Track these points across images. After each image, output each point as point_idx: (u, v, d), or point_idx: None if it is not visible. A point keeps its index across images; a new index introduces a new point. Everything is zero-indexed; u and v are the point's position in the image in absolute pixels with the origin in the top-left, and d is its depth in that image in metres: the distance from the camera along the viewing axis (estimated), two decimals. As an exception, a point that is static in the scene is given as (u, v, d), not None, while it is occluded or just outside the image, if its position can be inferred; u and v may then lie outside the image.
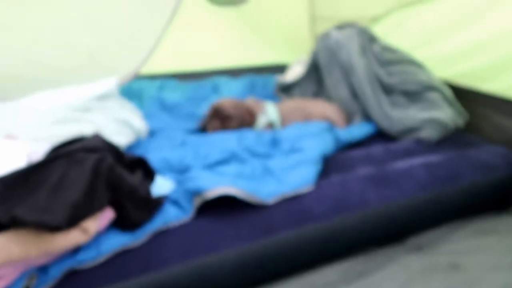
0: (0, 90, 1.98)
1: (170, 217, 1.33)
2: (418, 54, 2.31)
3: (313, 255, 1.42)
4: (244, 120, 2.08)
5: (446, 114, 1.99)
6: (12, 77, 2.04)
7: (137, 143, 1.90)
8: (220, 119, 2.06)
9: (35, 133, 1.58)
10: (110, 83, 1.97)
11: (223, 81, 2.84)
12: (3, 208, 1.08)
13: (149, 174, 1.40)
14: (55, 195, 1.11)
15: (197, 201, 1.36)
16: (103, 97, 1.91)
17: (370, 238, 1.51)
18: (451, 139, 1.95)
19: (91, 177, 1.17)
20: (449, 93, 2.09)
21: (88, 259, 1.19)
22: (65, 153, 1.22)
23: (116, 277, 1.19)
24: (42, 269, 1.16)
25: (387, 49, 2.36)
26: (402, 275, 1.35)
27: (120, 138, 1.80)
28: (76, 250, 1.20)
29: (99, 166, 1.20)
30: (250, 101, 2.23)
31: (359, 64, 2.23)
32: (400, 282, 1.31)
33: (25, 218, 1.04)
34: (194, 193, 1.37)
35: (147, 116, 2.24)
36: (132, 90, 2.56)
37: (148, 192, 1.30)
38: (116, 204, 1.23)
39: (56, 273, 1.16)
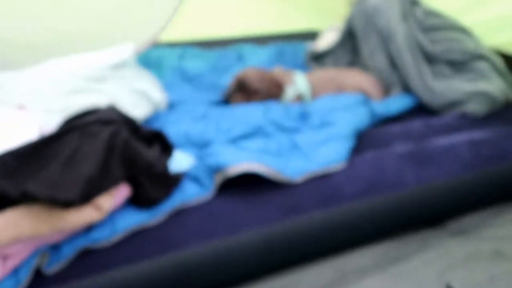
0: (10, 57, 2.00)
1: (189, 194, 1.33)
2: (465, 19, 2.24)
3: (343, 238, 1.41)
4: (270, 92, 2.07)
5: (496, 86, 1.93)
6: (22, 44, 2.06)
7: (155, 116, 1.91)
8: (245, 93, 2.05)
9: (47, 104, 1.60)
10: (127, 51, 1.96)
11: (248, 49, 2.82)
12: (13, 182, 1.10)
13: (167, 148, 1.41)
14: (67, 169, 1.12)
15: (219, 178, 1.36)
16: (118, 66, 1.91)
17: (406, 221, 1.49)
18: (500, 114, 1.90)
19: (105, 151, 1.18)
20: (499, 62, 2.03)
21: (102, 238, 1.21)
22: (79, 126, 1.23)
23: (131, 257, 1.20)
24: (54, 248, 1.18)
25: (430, 13, 2.30)
26: (441, 261, 1.33)
27: (137, 110, 1.80)
28: (89, 228, 1.21)
29: (114, 139, 1.20)
30: (277, 71, 2.21)
31: (399, 30, 2.18)
32: (439, 269, 1.30)
33: (37, 193, 1.05)
34: (215, 169, 1.37)
35: (167, 87, 2.24)
36: (151, 59, 2.55)
37: (166, 168, 1.30)
38: (132, 180, 1.24)
39: (69, 252, 1.17)
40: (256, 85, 2.04)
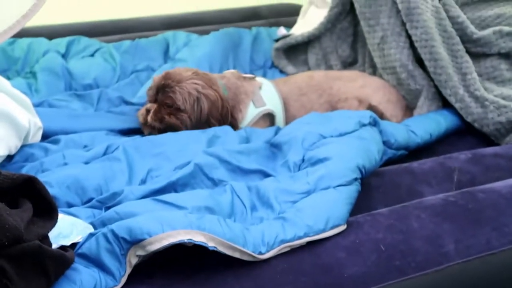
0: None
1: (85, 287, 1.30)
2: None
3: None
4: (210, 109, 2.07)
5: None
6: None
7: (24, 153, 1.90)
8: (166, 107, 2.06)
9: None
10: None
11: (181, 38, 2.84)
12: None
13: (45, 209, 1.38)
14: None
15: (134, 257, 1.34)
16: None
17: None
18: None
19: None
20: None
21: None
22: None
23: None
24: None
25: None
26: None
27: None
28: None
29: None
30: (230, 76, 2.22)
31: (424, 4, 2.22)
32: None
33: None
34: (129, 242, 1.35)
35: (44, 105, 2.22)
36: (14, 58, 2.53)
37: (43, 242, 1.28)
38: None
39: None
40: (185, 105, 2.04)
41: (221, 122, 2.07)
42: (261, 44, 2.86)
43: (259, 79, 2.30)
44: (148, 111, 2.08)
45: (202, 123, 2.05)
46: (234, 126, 2.09)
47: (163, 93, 2.07)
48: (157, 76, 2.15)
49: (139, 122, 2.13)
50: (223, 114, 2.08)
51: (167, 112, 2.06)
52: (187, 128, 2.04)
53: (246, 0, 3.28)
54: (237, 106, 2.12)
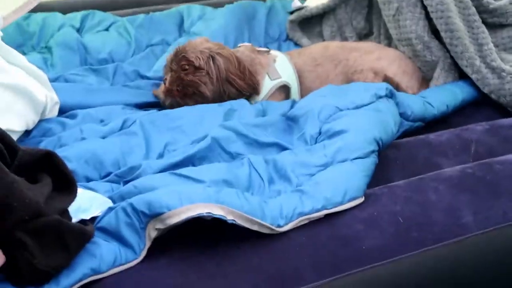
0: None
1: (106, 261, 1.31)
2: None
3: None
4: (236, 88, 2.07)
5: None
6: None
7: (41, 128, 1.90)
8: (187, 72, 2.06)
9: None
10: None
11: (195, 11, 2.84)
12: None
13: (64, 184, 1.39)
14: None
15: (153, 230, 1.35)
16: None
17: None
18: None
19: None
20: None
21: None
22: None
23: None
24: None
25: None
26: None
27: (9, 119, 1.79)
28: None
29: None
30: (244, 50, 2.22)
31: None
32: None
33: None
34: (147, 215, 1.36)
35: (60, 80, 2.23)
36: (29, 33, 2.53)
37: (62, 216, 1.29)
38: (5, 240, 1.22)
39: None
40: (196, 60, 2.04)
41: (244, 78, 2.06)
42: (276, 17, 2.85)
43: (273, 52, 2.30)
44: (165, 80, 2.08)
45: (223, 81, 2.05)
46: (256, 88, 2.08)
47: (175, 60, 2.08)
48: (168, 54, 2.15)
49: (160, 98, 2.13)
50: (241, 71, 2.08)
51: (185, 73, 2.06)
52: (209, 90, 2.04)
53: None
54: (253, 78, 2.11)
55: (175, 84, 2.06)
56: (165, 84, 2.09)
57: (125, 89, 2.25)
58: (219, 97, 2.05)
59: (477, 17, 2.18)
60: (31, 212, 1.23)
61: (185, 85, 2.05)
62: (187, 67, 2.05)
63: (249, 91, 2.08)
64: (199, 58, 2.04)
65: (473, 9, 2.19)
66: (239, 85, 2.06)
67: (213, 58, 2.05)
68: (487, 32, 2.17)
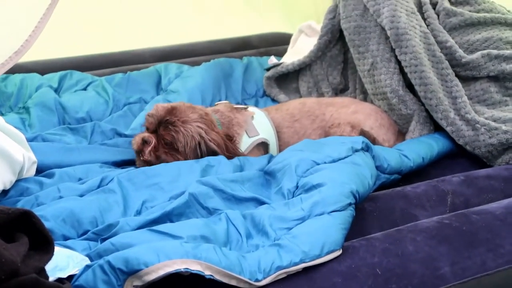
0: None
1: (82, 319, 1.30)
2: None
3: None
4: (219, 149, 2.07)
5: None
6: None
7: (19, 188, 1.90)
8: (164, 143, 2.06)
9: None
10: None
11: (172, 70, 2.86)
12: None
13: (41, 242, 1.38)
14: None
15: (131, 286, 1.34)
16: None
17: None
18: None
19: None
20: None
21: None
22: None
23: None
24: None
25: (458, 1, 2.39)
26: None
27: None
28: None
29: None
30: (223, 109, 2.23)
31: (412, 28, 2.23)
32: None
33: None
34: (125, 272, 1.35)
35: (38, 139, 2.23)
36: (7, 94, 2.53)
37: (39, 275, 1.27)
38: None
39: None
40: (182, 146, 2.03)
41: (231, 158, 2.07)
42: (253, 74, 2.87)
43: (251, 108, 2.31)
44: (145, 142, 2.07)
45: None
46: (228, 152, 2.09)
47: (165, 128, 2.06)
48: (161, 105, 2.13)
49: (133, 149, 2.12)
50: (231, 152, 2.08)
51: (165, 150, 2.06)
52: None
53: (236, 30, 3.30)
54: (232, 137, 2.12)
55: (153, 158, 2.05)
56: (144, 143, 2.06)
57: (103, 148, 2.24)
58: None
59: (450, 70, 2.21)
60: (8, 271, 1.22)
61: (161, 162, 2.04)
62: (169, 144, 2.05)
63: None
64: (187, 145, 2.03)
65: (446, 63, 2.21)
66: None
67: (200, 145, 2.05)
68: (461, 85, 2.19)
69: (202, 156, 2.03)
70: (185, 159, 2.03)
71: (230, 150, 2.08)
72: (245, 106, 2.32)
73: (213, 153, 2.03)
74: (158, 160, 2.05)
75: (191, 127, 2.05)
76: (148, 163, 2.05)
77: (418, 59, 2.17)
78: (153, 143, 2.05)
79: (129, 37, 3.22)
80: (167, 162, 2.03)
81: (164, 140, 2.06)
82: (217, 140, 2.06)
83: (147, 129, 2.12)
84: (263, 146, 2.23)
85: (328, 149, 1.92)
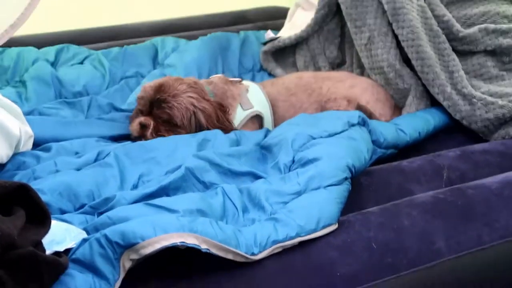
0: None
1: (79, 292, 1.31)
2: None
3: None
4: (207, 120, 2.07)
5: None
6: None
7: (16, 162, 1.90)
8: (162, 122, 2.06)
9: None
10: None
11: (169, 44, 2.85)
12: None
13: (37, 216, 1.38)
14: None
15: (128, 261, 1.34)
16: None
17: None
18: None
19: None
20: None
21: None
22: None
23: None
24: None
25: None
26: None
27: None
28: None
29: None
30: (217, 81, 2.22)
31: (410, 4, 2.23)
32: None
33: None
34: (122, 246, 1.35)
35: (34, 113, 2.23)
36: (3, 67, 2.53)
37: (36, 248, 1.28)
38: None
39: None
40: (180, 120, 2.03)
41: (222, 129, 2.07)
42: (249, 48, 2.86)
43: (246, 82, 2.31)
44: (143, 126, 2.07)
45: (200, 130, 2.06)
46: (231, 129, 2.09)
47: (158, 107, 2.06)
48: (148, 85, 2.13)
49: (133, 135, 2.12)
50: (221, 121, 2.08)
51: (165, 129, 2.06)
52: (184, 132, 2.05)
53: (233, 4, 3.30)
54: (226, 109, 2.12)
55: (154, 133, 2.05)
56: (143, 127, 2.06)
57: (99, 122, 2.24)
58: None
59: (447, 45, 2.21)
60: (4, 244, 1.22)
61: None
62: (168, 121, 2.05)
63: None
64: (183, 117, 2.03)
65: (443, 37, 2.21)
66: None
67: (195, 115, 2.05)
68: (458, 59, 2.19)
69: (198, 127, 2.03)
70: (187, 132, 2.03)
71: (220, 120, 2.07)
72: (240, 80, 2.31)
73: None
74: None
75: (183, 99, 2.05)
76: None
77: (415, 33, 2.17)
78: (152, 125, 2.05)
79: (126, 11, 3.22)
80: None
81: (161, 119, 2.06)
82: (208, 108, 2.06)
83: (141, 112, 2.11)
84: (258, 120, 2.23)
85: (325, 124, 1.92)
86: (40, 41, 2.85)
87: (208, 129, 2.05)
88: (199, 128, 2.05)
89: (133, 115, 2.16)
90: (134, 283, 1.37)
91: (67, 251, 1.41)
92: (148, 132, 2.05)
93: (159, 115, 2.06)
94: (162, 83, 2.10)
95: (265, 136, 1.98)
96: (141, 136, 2.08)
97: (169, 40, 2.88)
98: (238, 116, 2.14)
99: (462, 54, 2.22)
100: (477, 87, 2.14)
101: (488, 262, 1.54)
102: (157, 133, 2.05)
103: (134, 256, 1.35)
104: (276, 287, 1.38)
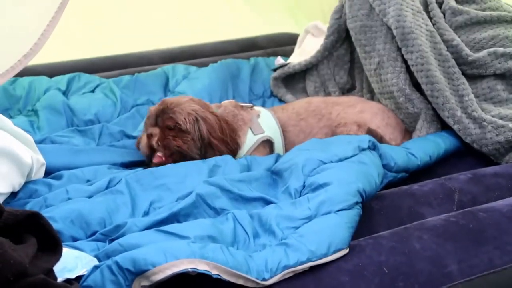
0: None
1: (91, 319, 1.31)
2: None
3: None
4: (217, 143, 2.07)
5: None
6: None
7: (28, 190, 1.90)
8: (168, 129, 2.06)
9: None
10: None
11: (180, 71, 2.87)
12: None
13: (49, 243, 1.38)
14: None
15: (139, 287, 1.34)
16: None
17: None
18: None
19: None
20: None
21: None
22: None
23: None
24: None
25: (466, 0, 2.38)
26: None
27: (-5, 182, 1.78)
28: None
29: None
30: (227, 105, 2.23)
31: (418, 27, 2.23)
32: None
33: None
34: (133, 272, 1.35)
35: (46, 141, 2.23)
36: (16, 97, 2.55)
37: (48, 276, 1.28)
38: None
39: None
40: (183, 123, 2.04)
41: (225, 143, 2.07)
42: (260, 74, 2.87)
43: (257, 107, 2.32)
44: (150, 136, 2.08)
45: (205, 145, 2.06)
46: (236, 149, 2.09)
47: (162, 116, 2.08)
48: (153, 106, 2.16)
49: (143, 152, 2.12)
50: (225, 134, 2.09)
51: (172, 135, 2.06)
52: (194, 153, 2.05)
53: (243, 31, 3.31)
54: (236, 133, 2.13)
55: (163, 148, 2.06)
56: (150, 137, 2.08)
57: (111, 149, 2.25)
58: (202, 157, 2.05)
59: (456, 69, 2.21)
60: (16, 272, 1.22)
61: (174, 150, 2.05)
62: (172, 127, 2.06)
63: (229, 154, 2.08)
64: (186, 121, 2.04)
65: (453, 61, 2.21)
66: (220, 150, 2.06)
67: (198, 121, 2.06)
68: (467, 83, 2.19)
69: (202, 134, 2.04)
70: (193, 138, 2.04)
71: (224, 133, 2.08)
72: (251, 105, 2.32)
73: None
74: (170, 149, 2.06)
75: (185, 106, 2.07)
76: (160, 164, 2.05)
77: (425, 58, 2.17)
78: (158, 134, 2.05)
79: (137, 39, 3.23)
80: (178, 147, 2.05)
81: (167, 127, 2.06)
82: (211, 119, 2.07)
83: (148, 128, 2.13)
84: (269, 145, 2.23)
85: (335, 148, 1.92)
86: (51, 70, 2.87)
87: (211, 140, 2.05)
88: (201, 135, 2.05)
89: (141, 135, 2.17)
90: (146, 309, 1.37)
91: (79, 278, 1.41)
92: (154, 141, 2.05)
93: (165, 124, 2.07)
94: (164, 101, 2.14)
95: (276, 161, 1.98)
96: (149, 149, 2.08)
97: (180, 68, 2.89)
98: (249, 140, 2.14)
99: (471, 78, 2.22)
100: (487, 110, 2.14)
101: (500, 285, 1.53)
102: (163, 141, 2.05)
103: (145, 283, 1.35)
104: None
